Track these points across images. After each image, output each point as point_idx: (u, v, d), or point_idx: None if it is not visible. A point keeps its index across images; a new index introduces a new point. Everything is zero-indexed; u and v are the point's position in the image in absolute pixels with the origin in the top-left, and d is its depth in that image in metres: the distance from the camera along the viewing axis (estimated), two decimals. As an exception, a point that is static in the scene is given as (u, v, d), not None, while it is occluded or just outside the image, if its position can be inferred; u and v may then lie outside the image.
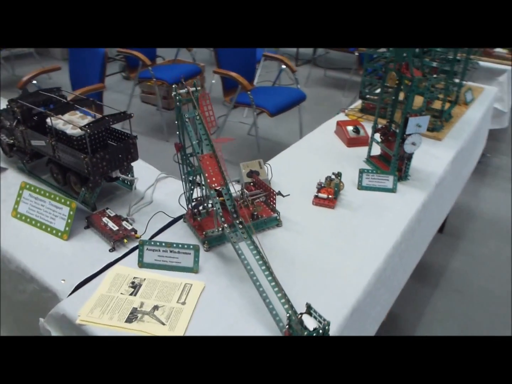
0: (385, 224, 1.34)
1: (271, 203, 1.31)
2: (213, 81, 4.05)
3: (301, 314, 0.88)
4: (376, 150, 1.67)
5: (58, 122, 1.33)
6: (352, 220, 1.35)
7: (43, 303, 1.15)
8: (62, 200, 1.25)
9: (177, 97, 1.09)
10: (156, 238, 1.25)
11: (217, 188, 1.09)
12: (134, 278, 1.11)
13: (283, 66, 3.52)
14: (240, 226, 1.09)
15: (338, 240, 1.26)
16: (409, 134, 1.44)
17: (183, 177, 1.22)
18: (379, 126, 1.61)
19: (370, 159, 1.66)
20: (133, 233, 1.23)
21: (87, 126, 1.22)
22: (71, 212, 1.24)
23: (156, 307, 1.02)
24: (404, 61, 1.42)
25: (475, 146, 2.26)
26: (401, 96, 1.48)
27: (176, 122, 1.13)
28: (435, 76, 1.72)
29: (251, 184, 1.38)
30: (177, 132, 1.16)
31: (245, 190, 1.31)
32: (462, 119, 2.07)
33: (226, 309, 1.03)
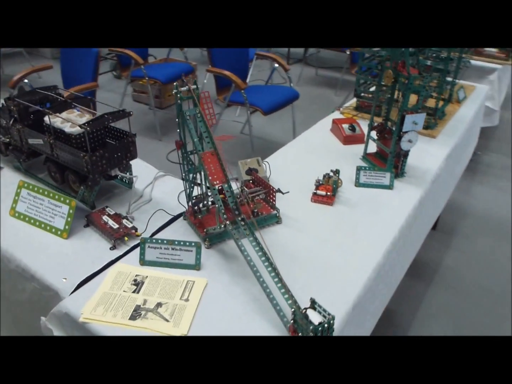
0: (383, 221, 1.35)
1: (271, 200, 1.31)
2: (205, 81, 4.05)
3: (305, 309, 0.89)
4: (372, 147, 1.69)
5: (56, 120, 1.32)
6: (350, 217, 1.36)
7: (43, 302, 1.14)
8: (62, 199, 1.25)
9: (178, 95, 1.08)
10: (157, 236, 1.25)
11: (219, 185, 1.10)
12: (136, 275, 1.11)
13: (276, 65, 3.53)
14: (242, 223, 1.10)
15: (338, 237, 1.28)
16: (406, 132, 1.46)
17: (184, 174, 1.22)
18: (375, 124, 1.63)
19: (366, 156, 1.68)
20: (133, 231, 1.23)
21: (86, 124, 1.22)
22: (71, 211, 1.24)
23: (159, 304, 1.02)
24: (401, 59, 1.43)
25: (468, 144, 2.29)
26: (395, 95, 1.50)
27: (177, 119, 1.14)
28: (428, 74, 1.74)
29: (250, 181, 1.39)
30: (178, 130, 1.16)
31: (244, 188, 1.31)
32: (455, 117, 2.10)
33: (230, 305, 1.03)
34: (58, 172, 1.40)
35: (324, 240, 1.26)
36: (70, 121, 1.29)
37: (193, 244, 1.13)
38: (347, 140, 1.80)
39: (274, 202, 1.31)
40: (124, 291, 1.06)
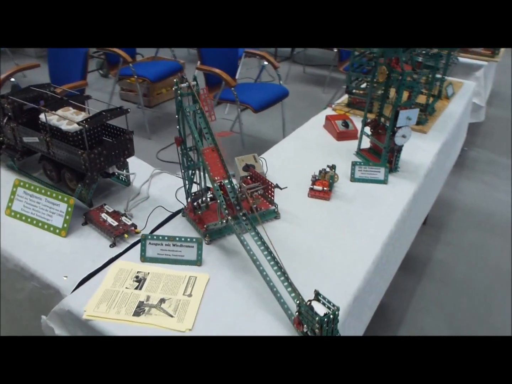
0: (380, 215, 1.38)
1: (269, 196, 1.32)
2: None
3: (310, 301, 0.91)
4: (365, 143, 1.71)
5: (52, 118, 1.31)
6: (348, 211, 1.38)
7: (43, 300, 1.14)
8: (60, 197, 1.24)
9: (179, 91, 1.09)
10: (156, 233, 1.25)
11: (220, 181, 1.11)
12: (138, 272, 1.11)
13: (265, 63, 3.54)
14: (244, 218, 1.11)
15: (336, 231, 1.29)
16: (400, 127, 1.48)
17: (183, 171, 1.22)
18: (369, 120, 1.65)
19: (360, 152, 1.70)
20: (133, 228, 1.23)
21: (84, 122, 1.21)
22: (69, 209, 1.23)
23: (162, 300, 1.03)
24: (394, 56, 1.45)
25: (457, 139, 2.33)
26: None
27: (177, 116, 1.14)
28: (420, 70, 1.76)
29: (248, 177, 1.40)
30: (177, 126, 1.16)
31: (243, 184, 1.32)
32: (445, 112, 2.13)
33: (233, 300, 1.04)
34: (54, 170, 1.39)
35: (323, 234, 1.28)
36: (67, 119, 1.28)
37: (194, 240, 1.13)
38: (341, 136, 1.82)
39: (272, 198, 1.32)
40: (126, 288, 1.06)
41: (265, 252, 1.03)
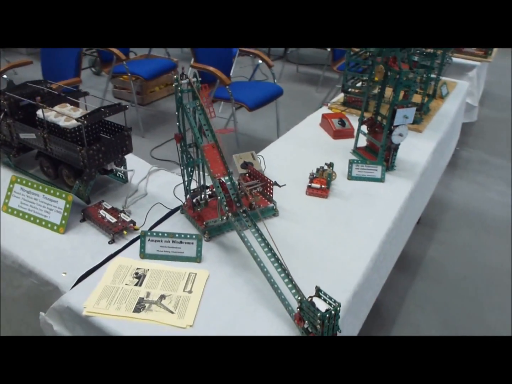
0: (377, 212, 1.39)
1: (268, 193, 1.33)
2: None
3: (311, 297, 0.91)
4: (362, 141, 1.72)
5: (49, 114, 1.30)
6: (346, 209, 1.39)
7: (41, 297, 1.13)
8: (58, 193, 1.23)
9: (179, 88, 1.08)
10: (155, 230, 1.24)
11: (220, 177, 1.11)
12: (137, 269, 1.11)
13: (260, 61, 3.54)
14: (244, 215, 1.11)
15: (334, 228, 1.30)
16: (397, 126, 1.49)
17: (183, 168, 1.22)
18: (365, 118, 1.66)
19: (357, 150, 1.71)
20: (132, 225, 1.23)
21: (83, 118, 1.21)
22: (67, 205, 1.23)
23: (163, 296, 1.03)
24: (392, 54, 1.46)
25: (451, 138, 2.35)
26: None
27: (176, 113, 1.14)
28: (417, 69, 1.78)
29: (246, 175, 1.40)
30: (177, 123, 1.16)
31: (241, 181, 1.32)
32: (439, 112, 2.15)
33: (233, 296, 1.04)
34: (51, 167, 1.38)
35: (321, 231, 1.28)
36: (65, 115, 1.27)
37: (194, 236, 1.13)
38: (337, 134, 1.82)
39: (271, 195, 1.32)
40: (126, 284, 1.06)
41: (266, 249, 1.04)
